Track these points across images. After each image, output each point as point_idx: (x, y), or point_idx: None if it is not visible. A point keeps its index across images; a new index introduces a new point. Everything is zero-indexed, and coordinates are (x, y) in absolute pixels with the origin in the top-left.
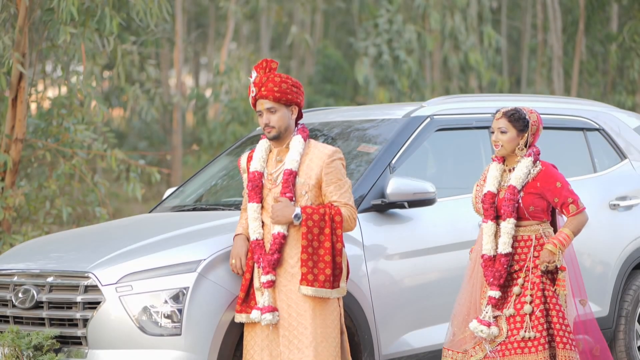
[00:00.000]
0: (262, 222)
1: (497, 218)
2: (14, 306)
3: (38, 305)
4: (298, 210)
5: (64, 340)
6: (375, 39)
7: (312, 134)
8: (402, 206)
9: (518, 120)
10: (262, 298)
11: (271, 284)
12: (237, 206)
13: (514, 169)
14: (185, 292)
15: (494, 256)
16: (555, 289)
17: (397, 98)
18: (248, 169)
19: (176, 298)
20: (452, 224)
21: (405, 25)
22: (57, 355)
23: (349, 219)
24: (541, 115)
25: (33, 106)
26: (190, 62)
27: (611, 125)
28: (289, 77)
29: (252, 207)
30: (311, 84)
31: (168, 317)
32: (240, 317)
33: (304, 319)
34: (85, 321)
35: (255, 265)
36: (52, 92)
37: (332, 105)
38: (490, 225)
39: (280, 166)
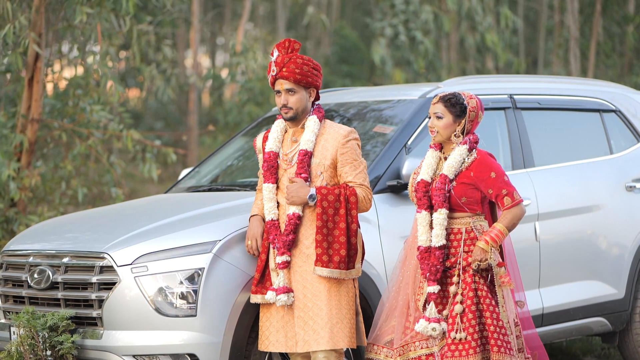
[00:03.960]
0: (278, 203)
1: (431, 208)
2: (29, 287)
3: (53, 286)
4: (313, 190)
5: (79, 321)
6: (391, 19)
7: (328, 114)
8: None
9: (455, 105)
10: (277, 279)
11: (286, 265)
12: (252, 187)
13: None
14: (200, 273)
15: (429, 248)
16: (501, 287)
17: (413, 79)
18: (264, 149)
19: (191, 279)
20: None
21: (422, 5)
22: (72, 336)
23: (364, 199)
24: (554, 97)
25: (49, 86)
26: (207, 43)
27: (628, 107)
28: (311, 59)
29: (267, 188)
30: (327, 65)
31: (183, 298)
32: (255, 298)
33: (319, 300)
34: (101, 302)
35: (271, 246)
36: (68, 73)
37: (348, 85)
38: (424, 215)
39: (296, 146)
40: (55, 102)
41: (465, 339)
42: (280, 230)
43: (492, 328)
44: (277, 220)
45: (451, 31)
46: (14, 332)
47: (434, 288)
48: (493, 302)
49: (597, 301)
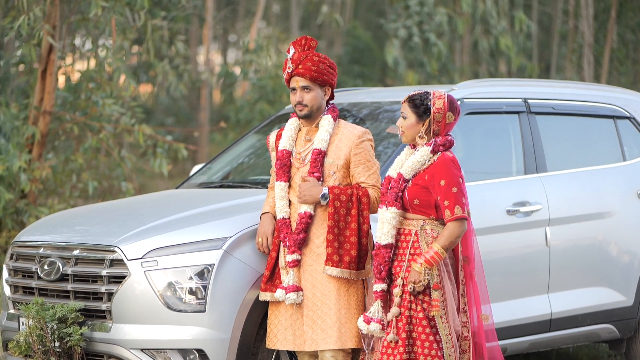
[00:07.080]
0: (289, 201)
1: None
2: (39, 278)
3: (63, 278)
4: (325, 190)
5: (88, 313)
6: (405, 20)
7: (341, 114)
8: None
9: (418, 106)
10: (287, 277)
11: (296, 264)
12: (264, 184)
13: None
14: (210, 269)
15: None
16: (432, 311)
17: (425, 81)
18: (277, 147)
19: (201, 275)
20: (478, 208)
21: (436, 7)
22: (81, 328)
23: (377, 201)
24: (568, 102)
25: (62, 79)
26: (219, 40)
27: None
28: (327, 57)
29: (279, 186)
30: (339, 65)
31: (192, 293)
32: (264, 296)
33: (328, 299)
34: (110, 295)
35: (281, 244)
36: (81, 66)
37: (359, 86)
38: (382, 211)
39: (309, 145)
40: (67, 95)
41: (396, 344)
42: (291, 229)
43: (421, 358)
44: (289, 218)
45: (465, 34)
46: (22, 323)
47: (379, 286)
48: (427, 330)
49: (605, 308)
